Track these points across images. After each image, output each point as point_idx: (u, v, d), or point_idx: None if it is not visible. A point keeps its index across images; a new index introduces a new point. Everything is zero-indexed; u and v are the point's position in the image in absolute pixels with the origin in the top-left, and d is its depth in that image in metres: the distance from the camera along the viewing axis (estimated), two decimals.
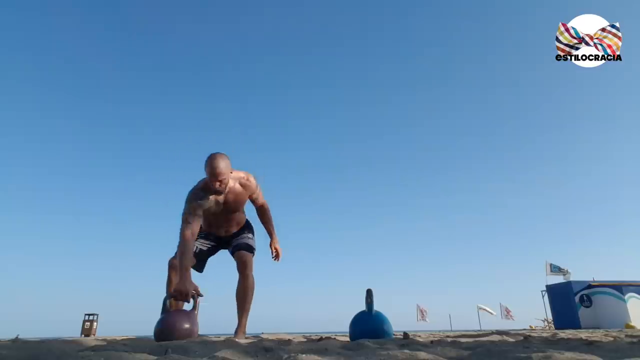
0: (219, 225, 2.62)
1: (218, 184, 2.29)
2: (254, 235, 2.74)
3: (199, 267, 2.61)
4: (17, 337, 2.24)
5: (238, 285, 2.51)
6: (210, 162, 2.26)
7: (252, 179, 2.58)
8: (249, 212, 2.83)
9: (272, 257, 2.81)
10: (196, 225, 2.31)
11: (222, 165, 2.28)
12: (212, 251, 2.70)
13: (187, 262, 2.15)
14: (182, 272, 2.10)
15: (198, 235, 2.57)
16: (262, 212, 2.81)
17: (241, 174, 2.52)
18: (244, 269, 2.52)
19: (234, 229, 2.69)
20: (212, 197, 2.39)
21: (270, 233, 2.83)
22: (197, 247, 2.55)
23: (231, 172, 2.37)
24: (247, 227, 2.77)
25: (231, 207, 2.52)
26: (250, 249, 2.61)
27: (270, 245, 2.80)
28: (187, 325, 1.92)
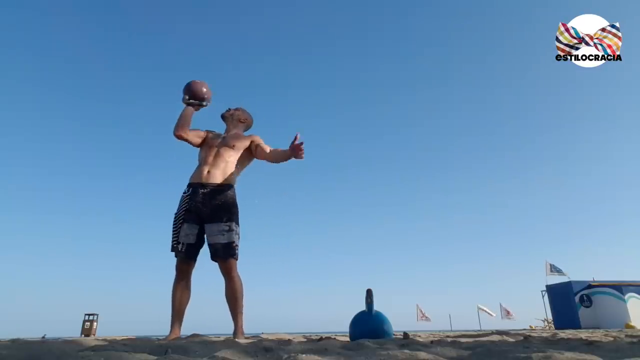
0: (206, 161, 2.62)
1: (233, 108, 2.91)
2: (234, 220, 2.51)
3: (193, 258, 2.50)
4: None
5: (226, 290, 2.45)
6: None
7: (259, 137, 2.83)
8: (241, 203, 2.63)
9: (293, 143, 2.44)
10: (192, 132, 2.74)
11: (247, 111, 2.95)
12: (199, 240, 2.52)
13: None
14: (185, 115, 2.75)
15: (182, 219, 2.49)
16: (270, 151, 2.68)
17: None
18: (227, 273, 2.45)
19: (218, 176, 2.56)
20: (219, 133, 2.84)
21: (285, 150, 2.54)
22: (184, 243, 2.45)
23: (248, 119, 2.94)
24: (229, 207, 2.52)
25: (227, 140, 2.73)
26: (228, 252, 2.44)
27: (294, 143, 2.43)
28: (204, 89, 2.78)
